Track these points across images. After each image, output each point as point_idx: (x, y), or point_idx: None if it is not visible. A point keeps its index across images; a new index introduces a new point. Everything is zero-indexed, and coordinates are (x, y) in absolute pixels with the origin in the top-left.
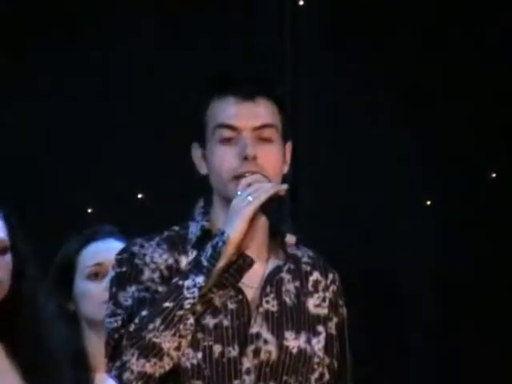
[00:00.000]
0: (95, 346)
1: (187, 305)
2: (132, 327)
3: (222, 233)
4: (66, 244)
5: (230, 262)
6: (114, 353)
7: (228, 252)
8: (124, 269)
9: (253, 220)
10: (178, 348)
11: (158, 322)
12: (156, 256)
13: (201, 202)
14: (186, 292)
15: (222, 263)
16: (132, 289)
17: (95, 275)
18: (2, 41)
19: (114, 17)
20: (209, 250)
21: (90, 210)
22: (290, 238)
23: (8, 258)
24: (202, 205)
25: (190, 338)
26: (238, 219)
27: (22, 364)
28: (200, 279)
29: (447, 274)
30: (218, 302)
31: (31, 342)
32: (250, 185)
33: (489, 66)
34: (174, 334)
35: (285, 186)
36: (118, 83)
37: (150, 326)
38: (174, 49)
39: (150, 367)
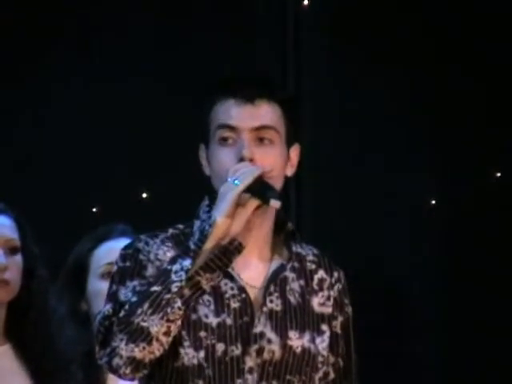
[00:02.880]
0: None
1: (174, 288)
2: (122, 313)
3: (209, 217)
4: (78, 244)
5: (219, 247)
6: (104, 340)
7: (215, 235)
8: (128, 264)
9: (242, 204)
10: (167, 333)
11: (145, 306)
12: (160, 253)
13: (206, 201)
14: (173, 276)
15: (209, 245)
16: (133, 283)
17: (108, 274)
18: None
19: (115, 16)
20: (196, 234)
21: (94, 210)
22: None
23: (19, 258)
24: (207, 203)
25: (179, 323)
26: (224, 202)
27: (31, 365)
28: (187, 262)
29: (451, 274)
30: (205, 285)
31: (40, 343)
32: (236, 171)
33: (491, 63)
34: (162, 318)
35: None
36: (121, 82)
37: (138, 311)
38: (175, 49)
39: (139, 352)
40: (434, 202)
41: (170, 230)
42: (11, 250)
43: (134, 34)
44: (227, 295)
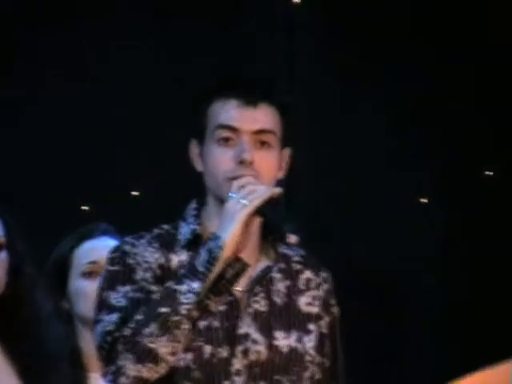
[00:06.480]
0: (89, 345)
1: (183, 310)
2: (127, 331)
3: (217, 237)
4: (60, 242)
5: (224, 267)
6: (108, 357)
7: (223, 256)
8: (116, 268)
9: (248, 223)
10: (173, 353)
11: (153, 327)
12: (147, 255)
13: (193, 204)
14: (181, 297)
15: (217, 268)
16: (125, 288)
17: (89, 273)
18: None
19: (114, 16)
20: (203, 254)
21: (84, 208)
22: (292, 237)
23: (3, 255)
24: (195, 207)
25: (185, 342)
26: (232, 223)
27: (19, 363)
28: (196, 285)
29: (444, 273)
30: (214, 307)
31: (28, 340)
32: (242, 187)
33: (487, 65)
34: (170, 340)
35: (279, 189)
36: (115, 83)
37: (146, 332)
38: (171, 50)
39: (146, 372)
40: (426, 200)
41: (156, 231)
42: None
43: (130, 33)
44: None
